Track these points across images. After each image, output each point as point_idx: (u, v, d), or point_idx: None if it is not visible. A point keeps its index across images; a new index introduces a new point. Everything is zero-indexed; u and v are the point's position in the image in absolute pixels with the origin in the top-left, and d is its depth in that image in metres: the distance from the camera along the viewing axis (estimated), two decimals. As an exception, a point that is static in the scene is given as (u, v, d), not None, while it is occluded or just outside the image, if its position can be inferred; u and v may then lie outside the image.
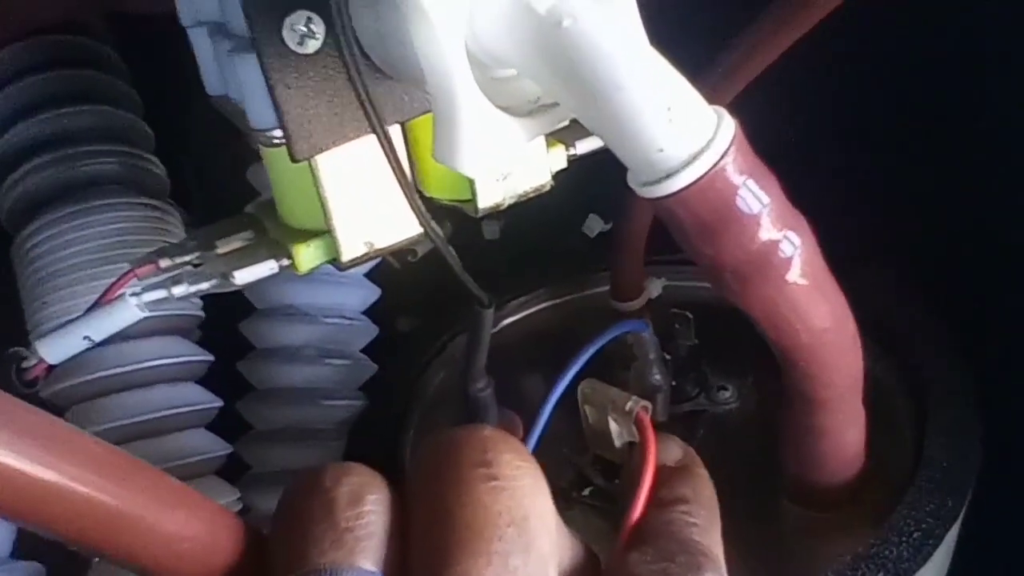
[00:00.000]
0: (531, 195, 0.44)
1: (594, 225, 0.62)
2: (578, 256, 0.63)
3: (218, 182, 0.62)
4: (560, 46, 0.28)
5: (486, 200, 0.43)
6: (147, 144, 0.53)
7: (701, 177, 0.29)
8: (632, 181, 0.30)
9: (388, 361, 0.59)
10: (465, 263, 0.37)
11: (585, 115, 0.30)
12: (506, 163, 0.38)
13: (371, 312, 0.60)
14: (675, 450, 0.35)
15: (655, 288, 0.58)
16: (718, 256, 0.31)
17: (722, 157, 0.29)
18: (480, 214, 0.44)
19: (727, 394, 0.52)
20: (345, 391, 0.56)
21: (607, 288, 0.59)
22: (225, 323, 0.57)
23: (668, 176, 0.29)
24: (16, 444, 0.22)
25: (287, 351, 0.55)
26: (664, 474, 0.33)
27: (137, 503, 0.24)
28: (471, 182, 0.42)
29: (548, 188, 0.44)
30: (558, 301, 0.62)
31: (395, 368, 0.58)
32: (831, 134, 0.58)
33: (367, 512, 0.26)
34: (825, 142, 0.58)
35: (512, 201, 0.44)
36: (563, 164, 0.44)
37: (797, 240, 0.31)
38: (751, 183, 0.30)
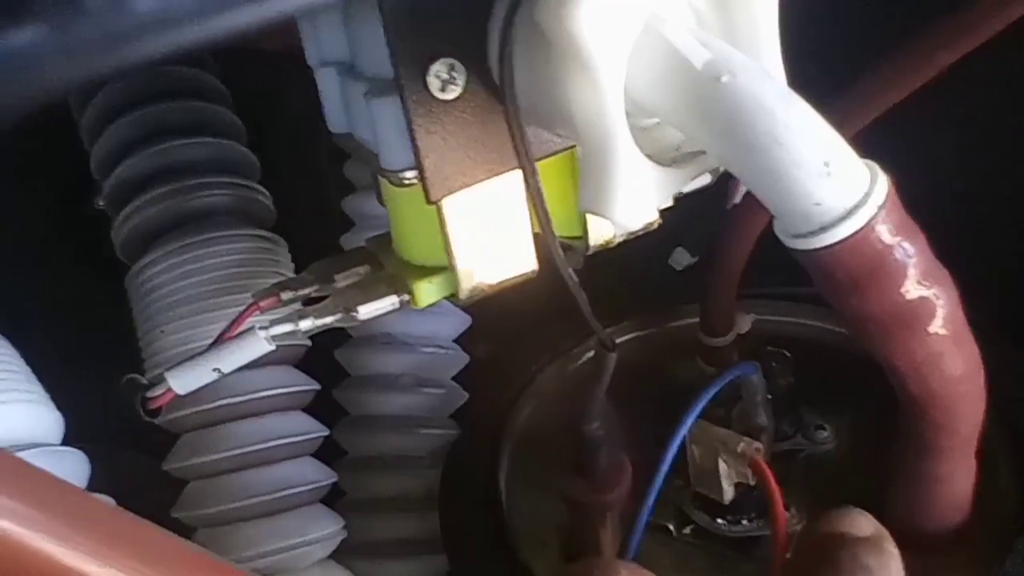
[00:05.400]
0: (639, 233, 0.44)
1: (681, 258, 0.62)
2: (664, 289, 0.63)
3: (306, 211, 0.63)
4: (718, 101, 0.29)
5: (597, 237, 0.43)
6: (254, 174, 0.53)
7: (857, 231, 0.29)
8: (781, 231, 0.31)
9: (476, 390, 0.60)
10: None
11: (737, 167, 0.30)
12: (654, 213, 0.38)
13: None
14: (866, 526, 0.34)
15: (744, 323, 0.58)
16: (863, 308, 0.31)
17: (878, 211, 0.29)
18: (590, 251, 0.44)
19: (824, 434, 0.52)
20: (439, 420, 0.57)
21: (693, 321, 0.59)
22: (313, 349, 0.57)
23: (823, 229, 0.29)
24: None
25: (384, 379, 0.56)
26: (850, 542, 0.33)
27: None
28: (583, 219, 0.42)
29: (656, 226, 0.44)
30: (643, 333, 0.63)
31: (484, 398, 0.59)
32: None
33: None
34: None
35: (622, 239, 0.44)
36: (670, 202, 0.45)
37: (942, 294, 0.31)
38: (901, 238, 0.30)
